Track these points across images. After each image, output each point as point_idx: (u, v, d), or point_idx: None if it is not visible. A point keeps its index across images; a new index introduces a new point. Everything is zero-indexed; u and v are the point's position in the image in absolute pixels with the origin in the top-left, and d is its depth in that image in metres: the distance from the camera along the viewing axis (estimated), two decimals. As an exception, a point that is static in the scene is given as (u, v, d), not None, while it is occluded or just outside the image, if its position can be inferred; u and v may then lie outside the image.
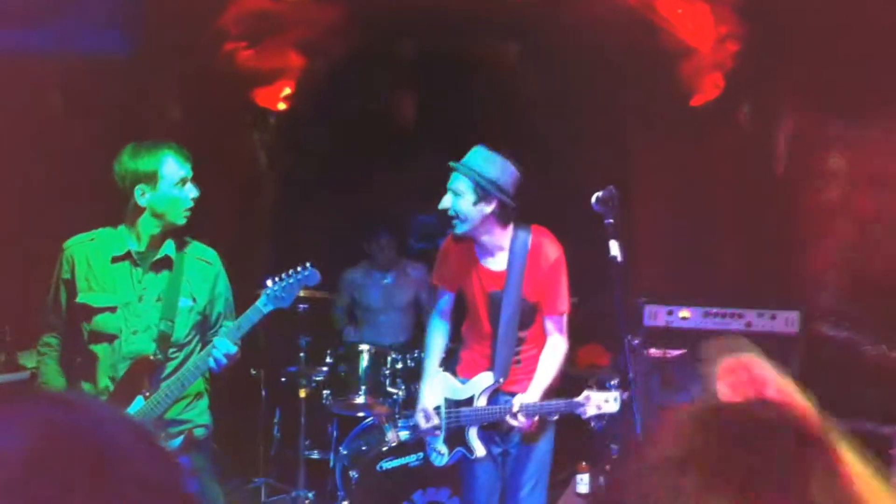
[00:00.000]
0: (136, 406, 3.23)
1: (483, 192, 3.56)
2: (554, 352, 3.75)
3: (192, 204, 3.33)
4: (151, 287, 3.30)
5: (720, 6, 5.02)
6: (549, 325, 3.77)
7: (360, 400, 5.29)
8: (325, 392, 5.42)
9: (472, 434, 3.73)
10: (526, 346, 3.82)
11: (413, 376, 5.35)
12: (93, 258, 3.30)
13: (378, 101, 6.90)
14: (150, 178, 3.24)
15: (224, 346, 3.25)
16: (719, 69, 5.25)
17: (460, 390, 3.83)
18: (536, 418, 3.59)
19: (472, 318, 3.95)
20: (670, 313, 4.58)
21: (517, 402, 3.57)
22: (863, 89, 4.70)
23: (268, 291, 3.33)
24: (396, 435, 5.05)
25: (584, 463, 4.60)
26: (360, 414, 5.49)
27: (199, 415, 3.47)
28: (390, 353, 5.40)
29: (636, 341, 3.99)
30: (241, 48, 5.94)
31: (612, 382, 3.58)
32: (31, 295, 3.51)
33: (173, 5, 5.01)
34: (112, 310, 3.27)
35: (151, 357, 3.26)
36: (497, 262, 3.79)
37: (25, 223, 4.80)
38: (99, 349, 3.28)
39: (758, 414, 0.97)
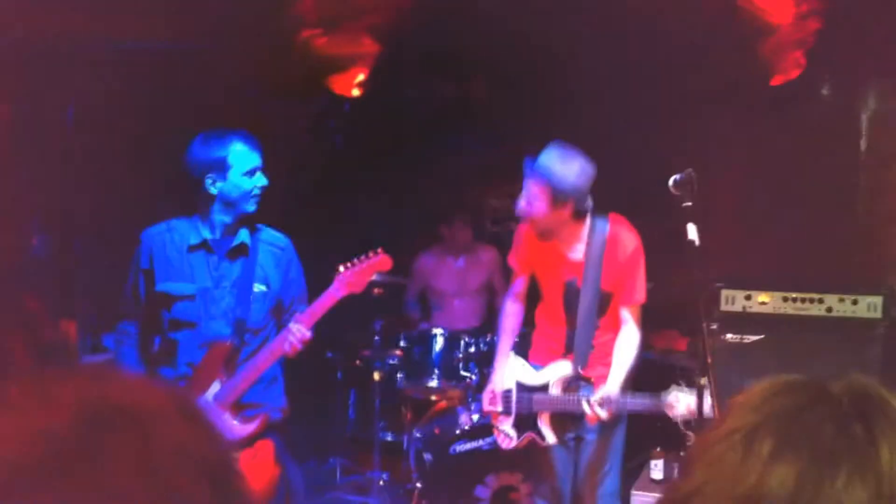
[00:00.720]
0: (214, 390, 3.30)
1: (559, 195, 3.55)
2: (629, 342, 3.73)
3: (260, 192, 3.37)
4: (227, 274, 3.37)
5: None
6: (625, 314, 3.76)
7: (434, 383, 5.32)
8: (398, 375, 5.47)
9: (545, 420, 3.73)
10: (600, 333, 3.80)
11: (486, 360, 5.36)
12: (170, 247, 3.38)
13: (451, 84, 6.89)
14: (220, 167, 3.29)
15: (299, 331, 3.29)
16: (801, 47, 5.10)
17: (535, 376, 3.82)
18: (614, 408, 3.56)
19: (547, 304, 3.94)
20: (748, 298, 4.48)
21: (600, 394, 3.54)
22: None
23: (340, 277, 3.37)
24: (470, 418, 5.06)
25: (658, 449, 4.54)
26: (434, 397, 5.53)
27: (274, 398, 3.53)
28: (464, 336, 5.42)
29: (713, 326, 3.92)
30: (317, 35, 5.99)
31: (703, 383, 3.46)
32: (114, 278, 3.60)
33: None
34: (191, 298, 3.34)
35: (228, 342, 3.33)
36: (575, 252, 3.78)
37: (105, 208, 4.94)
38: (179, 336, 3.36)
39: (826, 385, 0.95)
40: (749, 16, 5.09)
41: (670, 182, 3.18)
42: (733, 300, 4.51)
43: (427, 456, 5.06)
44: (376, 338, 5.56)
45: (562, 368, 3.74)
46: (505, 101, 6.60)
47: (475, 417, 5.06)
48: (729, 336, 4.24)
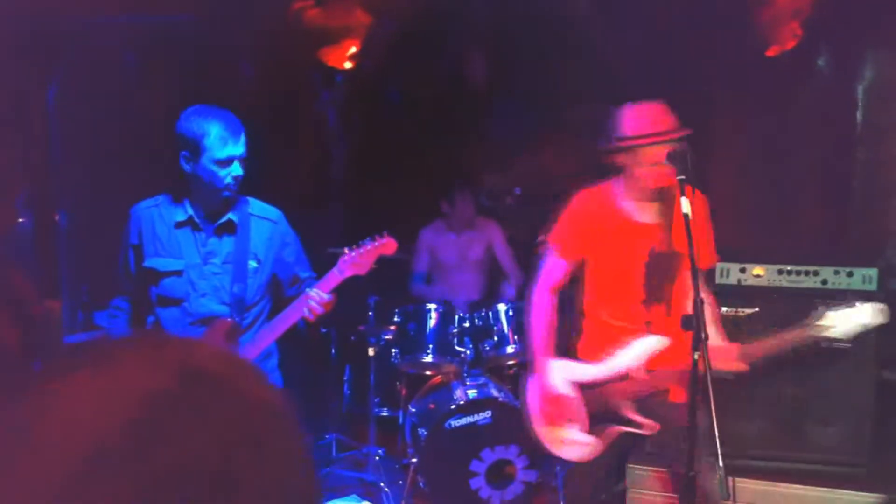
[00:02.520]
0: None
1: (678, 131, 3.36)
2: (714, 310, 3.45)
3: (235, 182, 3.25)
4: (217, 251, 3.34)
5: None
6: (704, 277, 3.34)
7: (429, 359, 5.32)
8: (393, 350, 5.46)
9: (630, 410, 3.41)
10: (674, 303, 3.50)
11: (481, 335, 5.36)
12: (158, 223, 3.34)
13: (448, 59, 6.84)
14: (194, 148, 3.20)
15: (318, 294, 3.26)
16: (797, 17, 5.05)
17: (595, 370, 3.47)
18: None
19: (616, 288, 3.57)
20: (743, 270, 4.46)
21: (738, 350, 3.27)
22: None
23: (345, 258, 3.33)
24: (464, 393, 5.07)
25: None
26: (429, 372, 5.53)
27: (269, 373, 3.51)
28: (458, 312, 5.41)
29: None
30: (308, 6, 5.93)
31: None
32: (107, 256, 3.57)
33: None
34: (178, 273, 3.32)
35: (229, 319, 3.31)
36: (646, 215, 3.51)
37: (99, 185, 4.90)
38: (167, 312, 3.34)
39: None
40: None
41: (665, 155, 3.15)
42: (728, 273, 4.49)
43: (422, 431, 5.07)
44: (370, 313, 5.55)
45: (648, 343, 3.41)
46: (503, 75, 6.55)
47: (470, 393, 5.06)
48: (724, 309, 4.21)
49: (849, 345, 3.04)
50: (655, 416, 3.40)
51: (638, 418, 3.40)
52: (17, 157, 4.51)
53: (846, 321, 3.16)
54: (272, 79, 5.66)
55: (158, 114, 3.48)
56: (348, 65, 6.55)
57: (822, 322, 3.19)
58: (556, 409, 3.52)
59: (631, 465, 4.28)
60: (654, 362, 3.42)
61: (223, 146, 3.19)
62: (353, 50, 6.46)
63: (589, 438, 3.48)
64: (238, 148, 3.23)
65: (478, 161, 6.78)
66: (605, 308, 3.60)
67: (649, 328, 3.48)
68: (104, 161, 4.91)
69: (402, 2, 6.06)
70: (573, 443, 3.52)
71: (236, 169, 3.24)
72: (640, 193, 3.50)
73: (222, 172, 3.22)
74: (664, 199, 3.47)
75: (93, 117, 4.79)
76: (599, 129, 3.54)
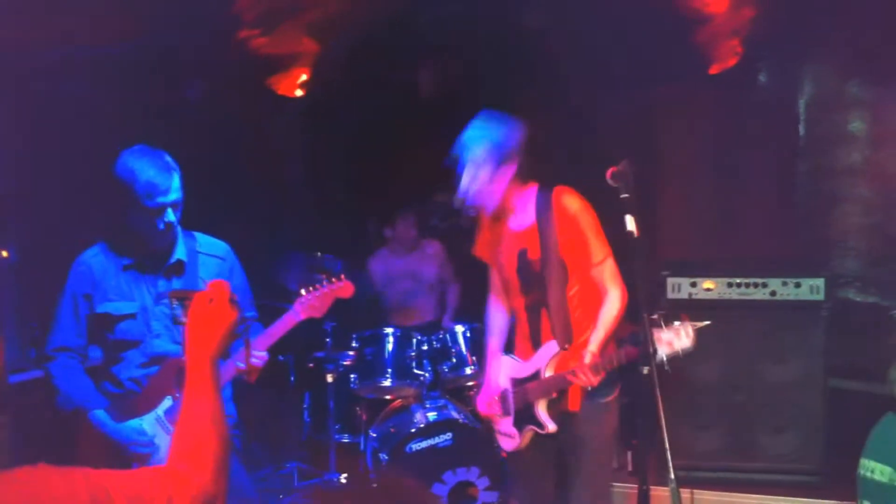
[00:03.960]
0: (165, 406, 3.26)
1: (499, 153, 3.45)
2: (608, 302, 3.49)
3: (166, 230, 3.20)
4: (167, 290, 3.30)
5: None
6: (596, 274, 3.50)
7: (387, 383, 5.31)
8: (352, 376, 5.44)
9: (542, 409, 3.54)
10: (572, 305, 3.57)
11: (439, 357, 5.37)
12: (106, 269, 3.30)
13: (389, 82, 6.87)
14: (126, 194, 3.14)
15: (255, 355, 3.24)
16: (736, 35, 5.17)
17: (525, 366, 3.63)
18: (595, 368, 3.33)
19: (506, 284, 3.76)
20: (693, 285, 4.53)
21: (587, 354, 3.34)
22: (883, 49, 4.61)
23: (301, 300, 3.32)
24: (424, 416, 5.07)
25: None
26: (388, 396, 5.52)
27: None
28: (415, 335, 5.41)
29: (659, 314, 3.89)
30: (255, 35, 5.93)
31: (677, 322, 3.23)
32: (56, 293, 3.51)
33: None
34: (132, 316, 3.29)
35: (181, 359, 3.28)
36: (523, 220, 3.61)
37: (46, 221, 4.83)
38: (124, 355, 3.31)
39: None
40: (684, 6, 5.15)
41: (608, 174, 3.19)
42: (679, 287, 4.56)
43: (383, 455, 5.05)
44: (328, 339, 5.53)
45: (550, 349, 3.53)
46: (447, 95, 6.60)
47: (430, 415, 5.06)
48: (676, 323, 4.27)
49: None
50: (558, 419, 3.52)
51: (542, 417, 3.52)
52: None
53: (667, 344, 3.18)
54: (221, 102, 5.64)
55: (103, 147, 3.43)
56: (299, 92, 6.56)
57: (665, 337, 3.21)
58: (492, 402, 3.74)
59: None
60: (555, 366, 3.51)
61: (153, 195, 3.13)
62: (304, 78, 6.48)
63: (514, 431, 3.66)
64: (169, 195, 3.16)
65: (424, 183, 6.81)
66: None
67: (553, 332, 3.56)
68: (50, 197, 4.84)
69: (349, 24, 6.09)
70: (503, 435, 3.73)
71: (169, 215, 3.18)
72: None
73: (155, 220, 3.17)
74: (539, 207, 3.57)
75: (37, 151, 4.71)
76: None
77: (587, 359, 3.33)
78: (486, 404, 3.77)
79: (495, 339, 3.84)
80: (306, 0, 5.80)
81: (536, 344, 3.60)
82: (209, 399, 1.85)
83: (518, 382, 3.65)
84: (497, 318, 3.86)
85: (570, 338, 3.50)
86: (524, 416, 3.61)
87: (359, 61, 6.40)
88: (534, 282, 3.58)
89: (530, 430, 3.61)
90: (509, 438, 3.70)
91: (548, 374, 3.52)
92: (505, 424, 3.71)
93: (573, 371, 3.35)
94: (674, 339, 3.19)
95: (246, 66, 5.92)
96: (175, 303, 2.50)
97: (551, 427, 3.52)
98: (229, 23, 5.58)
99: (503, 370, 3.73)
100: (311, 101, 6.52)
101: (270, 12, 5.74)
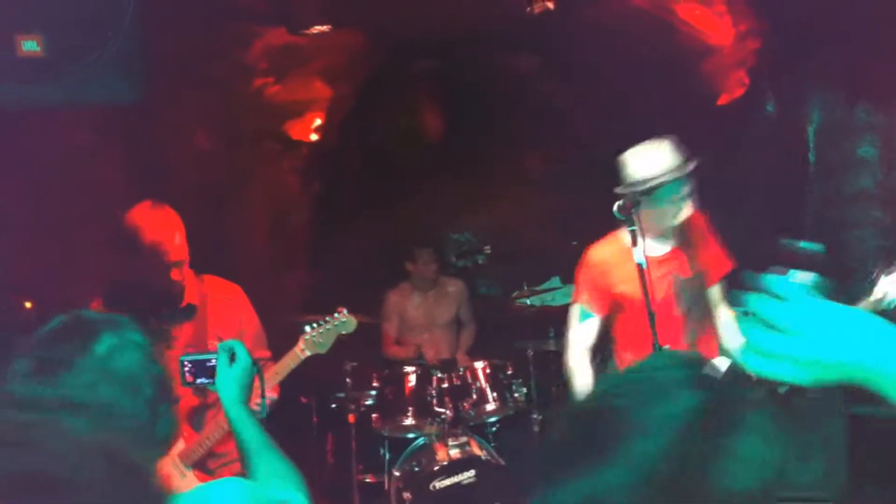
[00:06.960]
0: (178, 449, 3.31)
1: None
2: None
3: (172, 288, 3.32)
4: (179, 335, 3.35)
5: (736, 3, 4.98)
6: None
7: (409, 421, 5.33)
8: (373, 416, 5.47)
9: None
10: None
11: (459, 395, 5.38)
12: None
13: (402, 122, 6.96)
14: (133, 254, 3.24)
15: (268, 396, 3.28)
16: (742, 66, 5.22)
17: None
18: None
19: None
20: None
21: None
22: (886, 74, 4.64)
23: (306, 338, 3.36)
24: (447, 454, 5.07)
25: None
26: (410, 435, 5.53)
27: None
28: (435, 372, 5.43)
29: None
30: (269, 84, 6.04)
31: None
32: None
33: (195, 44, 5.01)
34: None
35: (196, 400, 3.33)
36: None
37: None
38: None
39: None
40: (690, 39, 5.21)
41: (614, 208, 3.24)
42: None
43: (407, 494, 5.06)
44: (347, 379, 5.56)
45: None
46: (458, 135, 6.68)
47: (453, 452, 5.07)
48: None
49: None
50: None
51: None
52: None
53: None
54: (230, 148, 5.70)
55: (115, 201, 3.47)
56: (314, 136, 6.67)
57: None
58: None
59: None
60: None
61: (157, 258, 3.24)
62: (318, 122, 6.58)
63: None
64: (173, 256, 3.28)
65: (444, 221, 6.88)
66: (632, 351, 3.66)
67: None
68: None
69: (360, 67, 6.18)
70: None
71: (175, 275, 3.30)
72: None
73: (162, 278, 3.28)
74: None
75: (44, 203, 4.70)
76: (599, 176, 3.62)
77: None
78: None
79: None
80: (316, 48, 5.88)
81: None
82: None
83: None
84: (588, 374, 3.78)
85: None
86: None
87: (371, 102, 6.48)
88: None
89: None
90: None
91: None
92: None
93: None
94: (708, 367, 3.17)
95: (260, 113, 6.01)
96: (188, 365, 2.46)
97: None
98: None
99: None
100: (324, 142, 6.58)
101: (282, 62, 5.83)
